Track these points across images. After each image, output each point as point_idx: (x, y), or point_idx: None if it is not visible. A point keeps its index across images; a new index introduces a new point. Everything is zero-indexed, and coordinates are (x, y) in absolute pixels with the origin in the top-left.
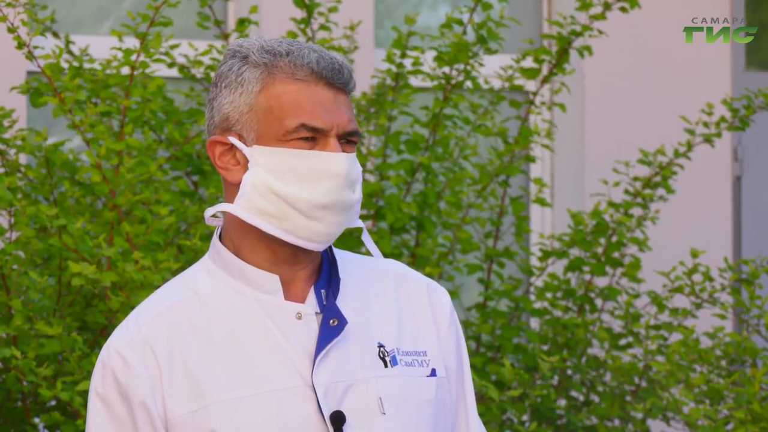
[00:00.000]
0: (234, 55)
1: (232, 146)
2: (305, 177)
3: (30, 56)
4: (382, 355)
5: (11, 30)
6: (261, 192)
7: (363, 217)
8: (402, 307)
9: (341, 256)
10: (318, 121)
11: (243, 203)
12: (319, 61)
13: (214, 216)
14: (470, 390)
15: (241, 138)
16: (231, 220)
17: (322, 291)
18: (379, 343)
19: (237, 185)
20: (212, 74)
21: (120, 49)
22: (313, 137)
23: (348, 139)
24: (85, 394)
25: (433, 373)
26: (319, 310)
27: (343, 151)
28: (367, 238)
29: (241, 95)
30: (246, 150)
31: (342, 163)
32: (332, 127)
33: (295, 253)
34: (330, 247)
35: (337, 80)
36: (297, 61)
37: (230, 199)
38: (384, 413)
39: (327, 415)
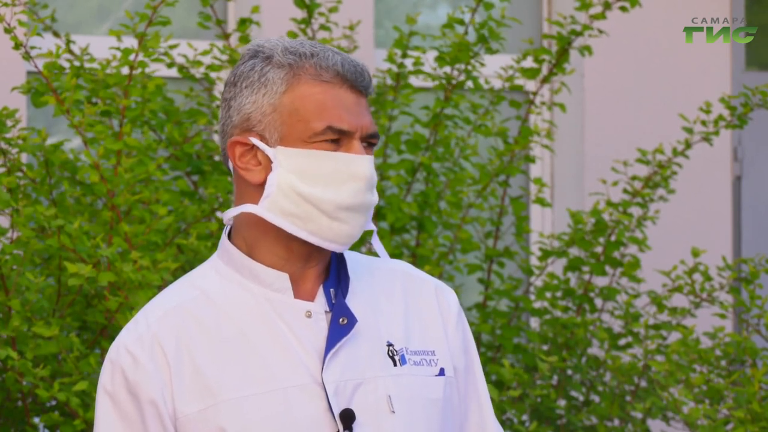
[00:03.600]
0: (255, 55)
1: (253, 147)
2: (331, 178)
3: (27, 56)
4: (390, 354)
5: (8, 30)
6: (285, 193)
7: None
8: (410, 306)
9: (350, 255)
10: (344, 124)
11: (267, 204)
12: (344, 64)
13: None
14: (483, 390)
15: (263, 139)
16: (246, 220)
17: (332, 290)
18: (387, 342)
19: (257, 186)
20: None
21: (119, 48)
22: (338, 139)
23: (369, 142)
24: (82, 395)
25: (442, 372)
26: (328, 309)
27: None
28: (376, 240)
29: (265, 95)
30: (269, 151)
31: (367, 166)
32: (357, 129)
33: (310, 252)
34: None
35: (360, 83)
36: (322, 63)
37: (248, 200)
38: (393, 412)
39: (337, 413)
